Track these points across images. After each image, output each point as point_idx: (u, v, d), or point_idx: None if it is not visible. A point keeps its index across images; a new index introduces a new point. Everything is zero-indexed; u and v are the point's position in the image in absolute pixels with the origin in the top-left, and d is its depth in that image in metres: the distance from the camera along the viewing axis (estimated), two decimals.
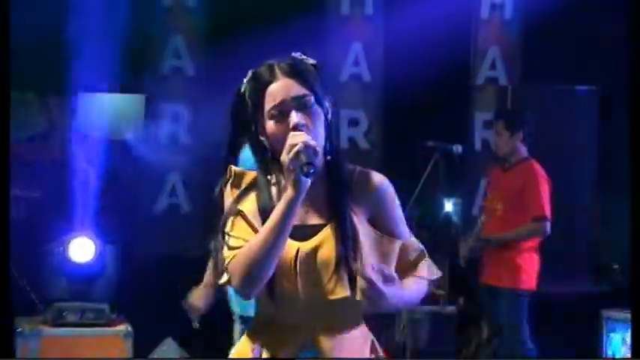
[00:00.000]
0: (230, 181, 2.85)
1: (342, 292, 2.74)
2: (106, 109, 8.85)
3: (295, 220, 2.76)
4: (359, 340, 2.85)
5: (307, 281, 2.76)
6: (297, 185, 2.67)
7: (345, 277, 2.74)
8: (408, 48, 7.50)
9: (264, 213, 2.77)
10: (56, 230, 6.78)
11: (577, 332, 6.80)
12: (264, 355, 2.82)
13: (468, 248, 6.61)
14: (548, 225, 6.35)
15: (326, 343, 2.78)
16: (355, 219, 2.79)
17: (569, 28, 7.50)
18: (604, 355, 6.42)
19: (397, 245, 2.84)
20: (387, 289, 2.71)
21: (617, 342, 6.37)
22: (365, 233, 2.79)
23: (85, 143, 7.23)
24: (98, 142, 7.44)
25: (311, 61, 2.86)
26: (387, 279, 2.72)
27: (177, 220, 7.52)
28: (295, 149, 2.65)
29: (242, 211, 2.81)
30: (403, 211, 2.95)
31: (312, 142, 2.67)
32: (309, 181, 2.67)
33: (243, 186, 2.86)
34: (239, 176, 2.86)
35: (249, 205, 2.82)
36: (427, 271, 2.92)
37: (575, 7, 7.27)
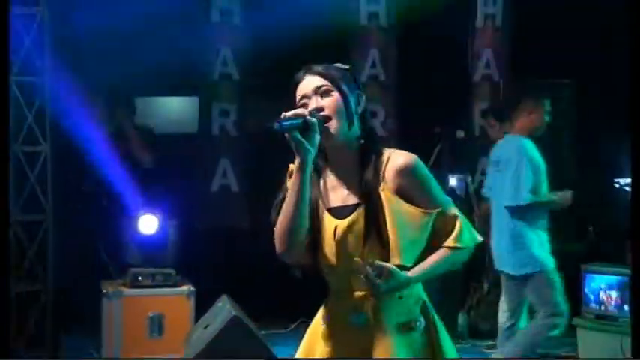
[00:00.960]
0: (288, 172, 2.83)
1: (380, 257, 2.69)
2: (167, 110, 9.01)
3: (337, 202, 2.77)
4: (407, 301, 2.75)
5: (345, 254, 2.73)
6: (298, 152, 2.65)
7: (377, 250, 2.70)
8: (417, 52, 7.59)
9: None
10: (129, 209, 6.86)
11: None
12: (329, 320, 2.82)
13: (482, 218, 6.64)
14: None
15: (373, 307, 2.72)
16: (385, 197, 2.70)
17: (549, 32, 7.56)
18: (585, 299, 6.47)
19: (430, 217, 2.72)
20: (385, 282, 2.63)
21: (596, 286, 6.44)
22: (397, 209, 2.69)
23: (151, 139, 7.28)
24: (162, 137, 7.50)
25: (343, 66, 2.84)
26: (384, 274, 2.63)
27: (228, 198, 7.57)
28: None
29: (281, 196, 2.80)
30: None
31: (301, 112, 2.66)
32: (309, 150, 2.63)
33: None
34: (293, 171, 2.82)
35: None
36: (455, 240, 2.75)
37: (553, 14, 7.34)
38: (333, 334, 2.80)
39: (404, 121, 7.86)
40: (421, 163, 2.77)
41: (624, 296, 6.23)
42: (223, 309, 5.62)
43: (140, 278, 6.50)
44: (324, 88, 2.75)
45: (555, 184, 7.16)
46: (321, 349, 2.83)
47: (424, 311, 2.78)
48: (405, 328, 2.74)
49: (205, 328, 5.58)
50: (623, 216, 5.64)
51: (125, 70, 7.10)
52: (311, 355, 2.86)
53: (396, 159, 2.74)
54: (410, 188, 2.72)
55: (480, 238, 2.84)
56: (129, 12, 6.84)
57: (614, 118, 5.79)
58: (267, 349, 5.49)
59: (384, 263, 2.64)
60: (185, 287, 6.50)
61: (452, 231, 2.76)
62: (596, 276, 6.41)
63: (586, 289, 6.44)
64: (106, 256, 7.11)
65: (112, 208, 7.06)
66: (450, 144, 6.74)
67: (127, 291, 6.44)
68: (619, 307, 6.25)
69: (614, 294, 6.30)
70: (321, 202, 2.80)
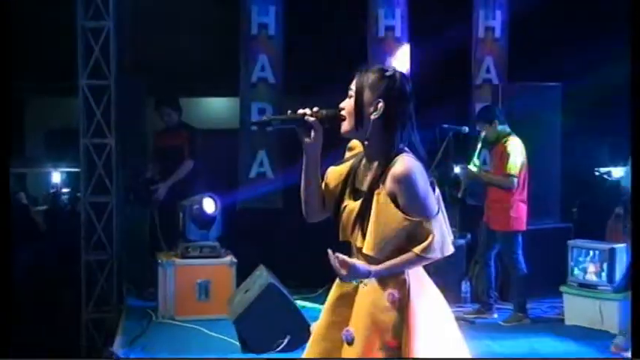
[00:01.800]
0: (347, 146, 3.00)
1: (359, 243, 2.78)
2: (213, 109, 9.19)
3: (359, 185, 2.84)
4: (387, 278, 2.76)
5: (346, 230, 2.84)
6: (301, 143, 2.84)
7: (360, 238, 2.77)
8: (428, 59, 7.67)
9: (350, 169, 2.92)
10: (182, 193, 6.99)
11: (552, 256, 6.84)
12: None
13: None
14: (515, 180, 6.42)
15: None
16: (377, 198, 2.73)
17: (541, 42, 7.63)
18: (571, 270, 6.49)
19: (407, 222, 2.70)
20: (347, 275, 2.72)
21: (580, 259, 6.45)
22: (384, 209, 2.72)
23: (196, 135, 7.34)
24: (210, 131, 7.66)
25: (388, 72, 2.83)
26: (345, 268, 2.72)
27: (264, 184, 7.57)
28: None
29: (335, 164, 2.96)
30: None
31: (301, 112, 2.82)
32: (304, 141, 2.82)
33: (354, 151, 2.96)
34: (352, 146, 2.97)
35: (347, 163, 2.95)
36: (422, 250, 2.70)
37: (544, 27, 7.41)
38: (340, 284, 2.90)
39: (416, 118, 7.92)
40: (416, 174, 2.71)
41: (602, 268, 6.37)
42: (260, 277, 5.76)
43: (189, 250, 6.61)
44: (350, 90, 2.83)
45: (546, 173, 7.27)
46: (331, 293, 2.94)
47: (401, 288, 2.77)
48: (380, 300, 2.76)
49: (245, 292, 5.70)
50: (602, 200, 5.77)
51: (178, 75, 7.30)
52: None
53: (396, 166, 2.72)
54: (399, 194, 2.71)
55: (450, 251, 2.78)
56: (182, 27, 7.01)
57: (596, 117, 5.85)
58: (298, 311, 5.63)
59: (348, 259, 2.74)
60: (228, 258, 6.61)
61: (424, 241, 2.71)
62: (580, 250, 6.54)
63: (572, 262, 6.51)
64: (160, 232, 7.32)
65: (167, 192, 7.24)
66: (456, 138, 6.81)
67: (179, 261, 6.57)
68: (598, 276, 6.40)
69: (594, 266, 6.43)
70: (350, 181, 2.89)
